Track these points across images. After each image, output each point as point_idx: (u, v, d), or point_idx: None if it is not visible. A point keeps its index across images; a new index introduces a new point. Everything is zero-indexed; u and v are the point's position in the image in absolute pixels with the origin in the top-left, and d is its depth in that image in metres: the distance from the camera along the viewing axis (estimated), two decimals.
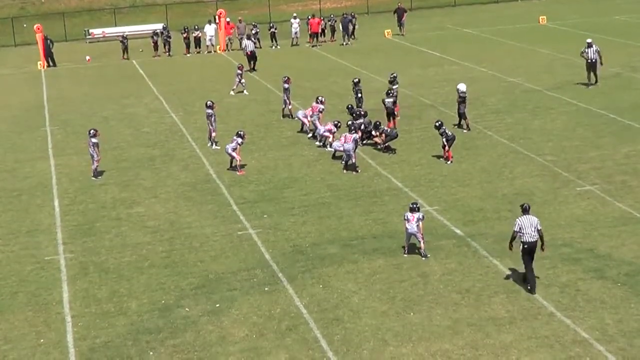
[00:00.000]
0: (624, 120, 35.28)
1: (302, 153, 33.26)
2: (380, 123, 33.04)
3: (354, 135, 30.60)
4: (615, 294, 20.93)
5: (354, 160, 30.61)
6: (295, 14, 59.01)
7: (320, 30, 57.53)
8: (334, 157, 32.10)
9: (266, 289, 22.10)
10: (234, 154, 30.90)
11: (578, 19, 63.16)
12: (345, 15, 55.72)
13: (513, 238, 21.42)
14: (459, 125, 35.06)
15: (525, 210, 21.51)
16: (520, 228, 21.19)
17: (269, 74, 47.60)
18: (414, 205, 23.21)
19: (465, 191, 28.25)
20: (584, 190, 27.82)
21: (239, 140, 30.87)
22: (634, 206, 26.26)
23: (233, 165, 31.33)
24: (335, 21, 59.12)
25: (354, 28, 57.97)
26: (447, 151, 31.09)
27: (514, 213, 26.04)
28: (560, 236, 24.37)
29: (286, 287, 22.11)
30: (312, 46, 55.25)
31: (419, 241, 23.28)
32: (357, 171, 30.53)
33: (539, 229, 21.17)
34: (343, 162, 30.96)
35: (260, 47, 54.43)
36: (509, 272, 22.27)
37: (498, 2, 74.53)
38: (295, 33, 57.35)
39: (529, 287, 21.26)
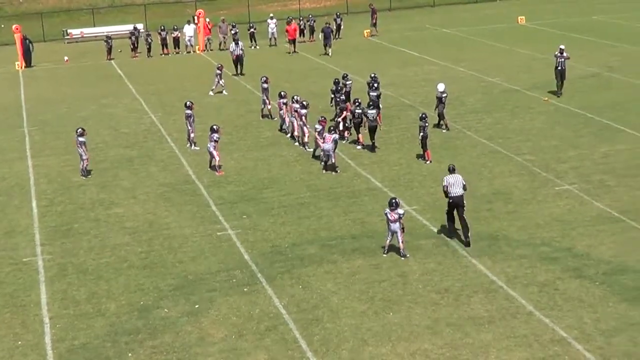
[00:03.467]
0: (602, 120, 35.44)
1: (281, 153, 33.24)
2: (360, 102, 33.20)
3: (334, 135, 30.60)
4: (593, 292, 21.02)
5: (333, 161, 30.62)
6: (272, 15, 58.91)
7: (298, 33, 57.44)
8: (313, 157, 32.10)
9: (245, 289, 22.08)
10: (214, 152, 30.84)
11: (556, 19, 63.41)
12: (327, 25, 54.14)
13: (445, 194, 24.14)
14: (438, 125, 35.12)
15: (451, 170, 24.35)
16: (447, 184, 23.95)
17: (248, 74, 47.53)
18: (394, 201, 23.23)
19: None
20: (563, 190, 27.94)
21: (215, 135, 30.78)
22: (612, 205, 26.39)
23: (212, 165, 31.28)
24: (315, 21, 59.09)
25: (339, 28, 57.92)
26: (425, 150, 31.15)
27: (493, 213, 26.18)
28: (538, 235, 24.46)
29: (265, 288, 22.10)
30: (289, 53, 54.43)
31: (399, 240, 23.31)
32: (336, 171, 30.54)
33: (464, 184, 24.01)
34: (322, 162, 30.96)
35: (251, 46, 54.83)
36: (487, 272, 22.33)
37: (477, 2, 74.73)
38: (273, 33, 57.29)
39: (464, 239, 23.87)
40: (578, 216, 25.77)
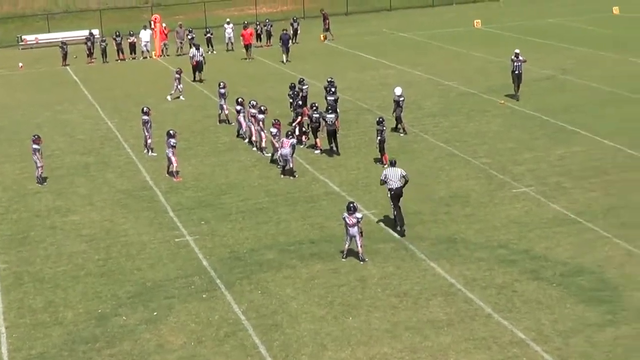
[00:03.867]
0: (557, 122, 35.76)
1: (239, 159, 33.18)
2: (317, 106, 33.32)
3: (292, 140, 30.60)
4: (550, 294, 21.20)
5: (291, 165, 30.62)
6: (228, 19, 58.81)
7: (255, 37, 57.40)
8: (271, 161, 32.08)
9: (204, 295, 22.00)
10: (172, 158, 30.71)
11: (512, 22, 63.86)
12: (285, 31, 53.25)
13: (383, 184, 25.45)
14: (396, 129, 35.24)
15: (392, 164, 25.56)
16: (385, 177, 25.16)
17: (205, 79, 47.36)
18: (352, 205, 23.28)
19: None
20: (519, 192, 28.15)
21: (172, 141, 30.65)
22: (568, 207, 26.62)
23: (170, 171, 31.15)
24: (272, 26, 59.06)
25: (295, 32, 57.80)
26: (383, 154, 31.25)
27: (450, 216, 26.32)
28: (496, 238, 24.63)
29: (224, 294, 22.04)
30: (245, 59, 54.06)
31: (358, 245, 23.35)
32: (294, 176, 30.54)
33: (404, 175, 25.14)
34: (280, 167, 30.95)
35: (207, 53, 54.57)
36: (446, 275, 22.44)
37: (434, 6, 75.10)
38: (229, 38, 57.20)
39: (399, 229, 24.95)
40: (535, 218, 25.97)
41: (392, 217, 25.70)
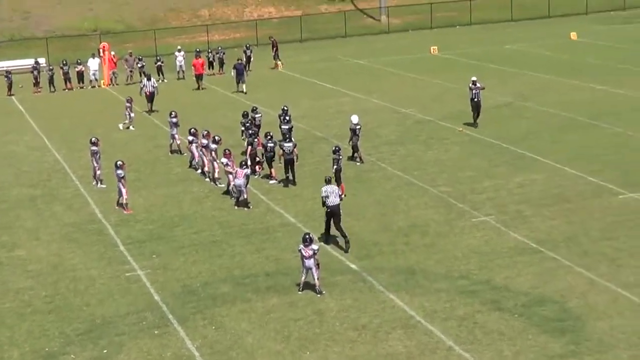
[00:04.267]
0: (517, 150, 36.04)
1: (191, 190, 33.05)
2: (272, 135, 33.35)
3: (245, 170, 30.55)
4: (512, 325, 21.25)
5: (245, 196, 30.54)
6: (179, 47, 58.74)
7: (207, 65, 57.36)
8: (225, 193, 31.98)
9: (156, 332, 21.80)
10: (122, 189, 30.52)
11: (469, 48, 64.43)
12: (239, 61, 52.40)
13: (323, 202, 26.18)
14: (352, 158, 35.31)
15: (327, 181, 26.54)
16: (326, 194, 26.00)
17: (157, 109, 47.21)
18: (308, 237, 23.26)
19: (359, 225, 28.42)
20: (479, 221, 28.28)
21: (119, 172, 30.46)
22: (529, 236, 26.78)
23: (120, 203, 30.94)
24: (224, 53, 59.10)
25: (249, 60, 57.58)
26: (339, 184, 31.27)
27: (409, 246, 26.36)
28: (456, 268, 24.68)
29: (177, 330, 21.86)
30: (196, 89, 53.46)
31: (314, 277, 23.29)
32: (249, 207, 30.47)
33: (339, 194, 26.37)
34: (234, 198, 30.86)
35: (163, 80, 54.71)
36: (405, 307, 22.43)
37: (389, 33, 75.57)
38: (181, 66, 57.12)
39: (346, 246, 26.12)
40: (495, 247, 26.09)
41: (324, 235, 26.90)
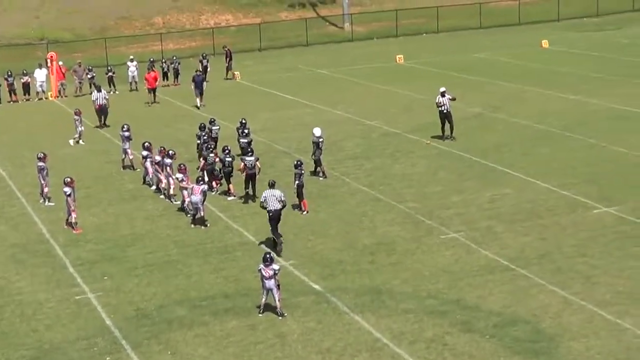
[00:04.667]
0: (487, 163, 36.26)
1: (145, 207, 32.94)
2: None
3: (202, 186, 30.50)
4: (483, 347, 21.34)
5: (202, 214, 30.48)
6: (132, 57, 58.52)
7: (162, 76, 57.23)
8: (180, 210, 31.91)
9: (108, 358, 21.69)
10: (72, 208, 30.36)
11: (436, 57, 64.81)
12: (198, 73, 51.90)
13: (262, 207, 27.75)
14: (315, 173, 35.35)
15: (271, 185, 28.01)
16: (265, 199, 27.55)
17: (107, 121, 47.02)
18: (268, 256, 23.24)
19: (323, 243, 28.45)
20: (448, 238, 28.39)
21: (67, 189, 30.30)
22: (500, 253, 26.92)
23: (69, 222, 30.77)
24: (179, 63, 59.02)
25: (205, 70, 57.22)
26: (302, 200, 31.33)
27: (375, 265, 26.40)
28: (424, 287, 24.75)
29: (130, 356, 21.75)
30: (148, 103, 52.68)
31: (275, 298, 23.26)
32: (206, 225, 30.41)
33: (282, 199, 27.54)
34: (190, 215, 30.79)
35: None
36: (371, 329, 22.45)
37: (352, 41, 75.84)
38: (133, 77, 56.90)
39: (277, 249, 27.21)
40: (465, 266, 26.19)
41: (273, 242, 27.82)
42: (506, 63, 60.87)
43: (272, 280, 23.07)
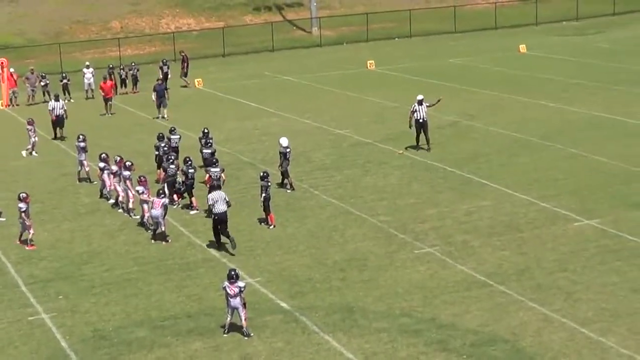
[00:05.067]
0: (463, 174, 36.39)
1: (103, 222, 32.81)
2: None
3: (163, 199, 30.43)
4: None
5: (163, 229, 30.41)
6: (88, 63, 58.29)
7: (120, 83, 57.12)
8: (140, 225, 31.82)
9: None
10: (27, 224, 30.20)
11: (409, 62, 65.05)
12: (160, 82, 50.73)
13: (209, 211, 29.59)
14: (282, 185, 35.35)
15: (216, 188, 30.01)
16: (212, 202, 28.88)
17: (66, 136, 46.81)
18: (233, 273, 23.22)
19: (291, 259, 28.45)
20: (423, 253, 28.45)
21: (22, 205, 30.14)
22: (477, 269, 27.00)
23: (22, 238, 30.60)
24: (138, 70, 58.89)
25: (166, 77, 57.08)
26: (268, 214, 31.33)
27: (346, 282, 26.41)
28: (398, 305, 24.77)
29: None
30: (104, 114, 51.95)
31: (241, 318, 23.23)
32: (167, 241, 30.35)
33: (227, 200, 29.00)
34: (151, 230, 30.71)
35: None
36: (343, 349, 22.46)
37: (322, 46, 75.97)
38: (89, 84, 56.69)
39: (232, 249, 28.80)
40: (441, 282, 26.25)
41: (217, 244, 29.41)
42: (482, 69, 61.18)
43: (238, 299, 23.03)
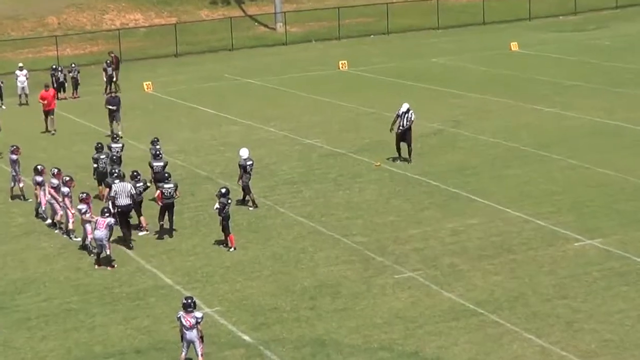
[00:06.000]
0: (448, 188, 36.47)
1: (39, 245, 32.66)
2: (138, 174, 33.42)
3: (108, 219, 30.30)
4: None
5: (108, 252, 30.28)
6: (21, 64, 58.01)
7: (57, 87, 56.82)
8: (82, 248, 31.70)
9: None
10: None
11: (387, 63, 65.21)
12: (113, 94, 49.74)
13: (112, 203, 31.56)
14: (243, 201, 35.31)
15: (121, 177, 32.13)
16: (115, 193, 31.24)
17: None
18: (189, 301, 23.15)
19: (254, 286, 28.39)
20: (404, 278, 28.46)
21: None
22: (465, 295, 27.03)
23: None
24: (78, 72, 58.68)
25: (110, 80, 57.09)
26: (228, 235, 31.27)
27: (317, 311, 26.39)
28: (376, 337, 24.76)
29: None
30: (45, 132, 49.71)
31: (197, 353, 23.14)
32: (113, 266, 30.22)
33: (132, 193, 31.34)
34: (94, 254, 30.58)
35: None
36: None
37: (287, 44, 76.03)
38: (23, 88, 56.45)
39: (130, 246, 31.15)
40: (425, 311, 26.26)
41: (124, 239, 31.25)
42: (469, 69, 61.40)
43: (194, 331, 22.94)
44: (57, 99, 53.73)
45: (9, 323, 26.73)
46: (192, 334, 23.00)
